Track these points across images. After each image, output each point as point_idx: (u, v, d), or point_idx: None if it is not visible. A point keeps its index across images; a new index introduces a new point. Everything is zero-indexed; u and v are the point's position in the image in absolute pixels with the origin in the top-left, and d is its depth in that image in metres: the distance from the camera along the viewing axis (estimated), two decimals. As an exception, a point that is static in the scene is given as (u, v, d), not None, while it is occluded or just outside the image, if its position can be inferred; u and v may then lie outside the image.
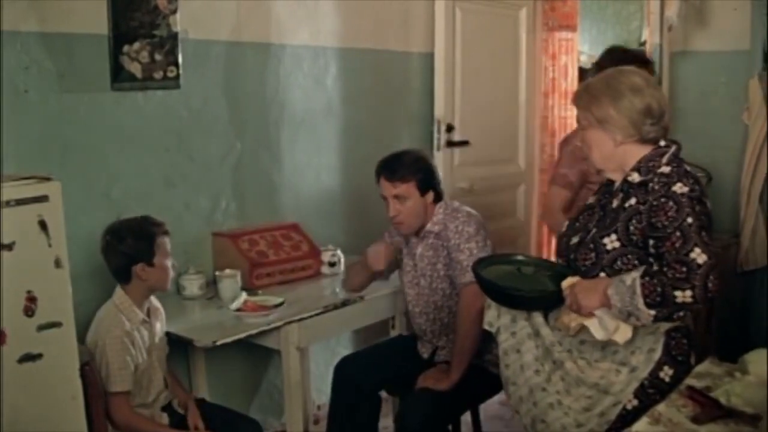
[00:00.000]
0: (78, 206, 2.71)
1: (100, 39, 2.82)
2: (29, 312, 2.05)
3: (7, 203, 1.99)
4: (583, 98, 2.12)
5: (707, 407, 1.78)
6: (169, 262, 2.61)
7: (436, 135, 4.13)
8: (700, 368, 2.03)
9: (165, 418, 2.65)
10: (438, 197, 2.87)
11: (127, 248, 2.54)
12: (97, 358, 2.46)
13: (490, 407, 3.31)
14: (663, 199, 1.97)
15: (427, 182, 2.82)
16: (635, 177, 2.05)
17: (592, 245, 2.08)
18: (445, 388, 2.71)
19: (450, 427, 2.96)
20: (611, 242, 2.04)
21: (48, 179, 2.11)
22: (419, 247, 2.90)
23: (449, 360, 2.83)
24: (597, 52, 6.20)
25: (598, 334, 1.99)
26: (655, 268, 1.94)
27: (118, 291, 2.57)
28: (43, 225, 2.06)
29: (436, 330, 2.94)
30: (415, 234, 2.90)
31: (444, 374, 2.76)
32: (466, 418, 3.03)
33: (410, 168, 2.80)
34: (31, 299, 2.05)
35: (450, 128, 4.18)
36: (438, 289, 2.89)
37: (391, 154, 2.89)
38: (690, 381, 1.94)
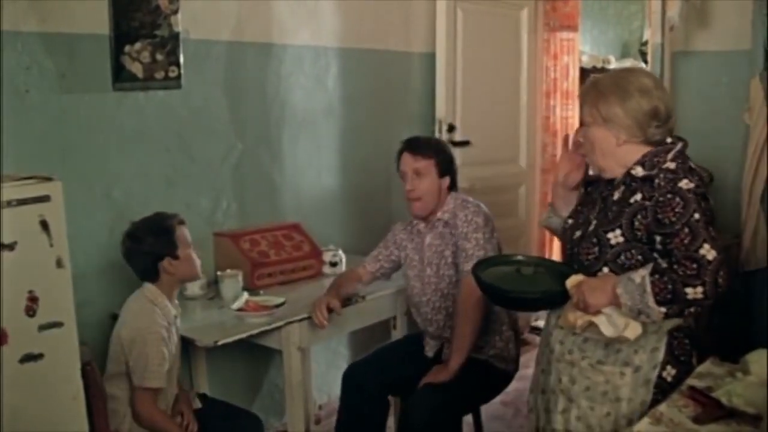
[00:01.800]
0: (79, 206, 2.71)
1: (101, 39, 2.82)
2: (30, 312, 2.05)
3: (9, 203, 1.99)
4: (590, 94, 2.11)
5: (708, 407, 1.78)
6: (192, 251, 2.61)
7: (437, 135, 4.12)
8: (701, 368, 2.03)
9: (178, 419, 2.64)
10: (453, 187, 2.92)
11: (150, 247, 2.53)
12: (134, 353, 2.44)
13: (491, 407, 3.31)
14: (669, 195, 1.96)
15: (446, 167, 2.88)
16: (639, 171, 2.05)
17: (595, 239, 2.07)
18: (446, 378, 2.72)
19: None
20: (615, 237, 2.03)
21: (49, 179, 2.11)
22: (428, 237, 2.92)
23: None
24: (598, 53, 6.24)
25: (608, 331, 1.99)
26: (664, 265, 1.94)
27: (148, 286, 2.56)
28: (44, 225, 2.06)
29: (440, 320, 2.93)
30: (425, 223, 2.92)
31: (443, 366, 2.77)
32: (467, 417, 3.03)
33: (433, 147, 2.91)
34: (33, 299, 2.05)
35: (451, 128, 4.18)
36: (445, 276, 2.89)
37: (416, 135, 3.04)
38: (691, 381, 1.94)
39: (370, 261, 3.09)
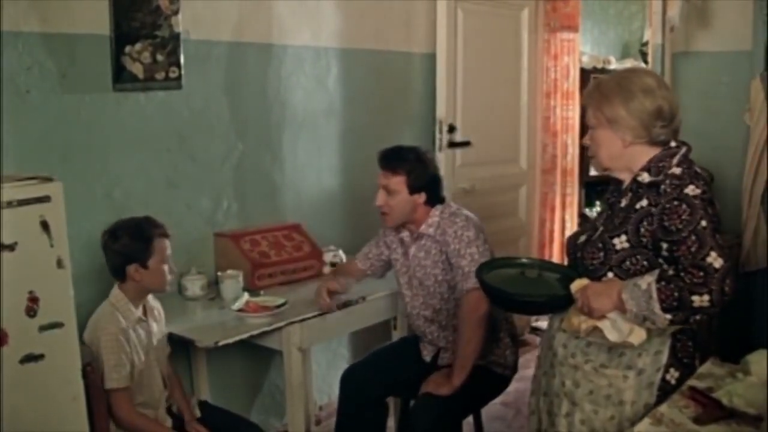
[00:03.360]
0: (80, 207, 2.71)
1: (101, 39, 2.82)
2: (31, 312, 2.05)
3: (9, 203, 1.99)
4: (594, 97, 2.10)
5: (709, 408, 1.78)
6: (165, 266, 2.57)
7: (437, 136, 4.12)
8: (702, 369, 2.03)
9: (169, 421, 2.64)
10: (434, 200, 2.85)
11: (122, 247, 2.52)
12: (95, 354, 2.46)
13: (491, 408, 3.31)
14: (676, 202, 1.95)
15: (420, 183, 2.80)
16: (645, 177, 2.04)
17: (600, 244, 2.07)
18: (448, 393, 2.70)
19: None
20: (620, 243, 2.03)
21: (50, 180, 2.11)
22: (413, 248, 2.90)
23: (452, 363, 2.82)
24: (599, 53, 6.25)
25: (612, 336, 1.98)
26: (671, 272, 1.93)
27: (115, 289, 2.56)
28: (44, 225, 2.06)
29: (434, 331, 2.94)
30: (409, 232, 2.90)
31: (445, 379, 2.75)
32: (468, 418, 3.02)
33: (405, 163, 2.80)
34: (33, 300, 2.05)
35: (452, 129, 4.18)
36: (436, 293, 2.88)
37: (397, 145, 2.92)
38: (692, 382, 1.94)
39: (361, 258, 3.09)
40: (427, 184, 2.82)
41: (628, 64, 6.02)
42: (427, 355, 3.00)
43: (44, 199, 2.06)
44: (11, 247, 2.00)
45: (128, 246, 2.52)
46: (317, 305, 2.85)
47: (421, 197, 2.81)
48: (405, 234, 2.93)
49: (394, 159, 2.82)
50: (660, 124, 2.04)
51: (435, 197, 2.85)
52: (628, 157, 2.08)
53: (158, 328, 2.67)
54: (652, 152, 2.06)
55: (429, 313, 2.91)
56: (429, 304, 2.90)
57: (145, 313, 2.61)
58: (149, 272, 2.53)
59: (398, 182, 2.79)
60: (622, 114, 2.03)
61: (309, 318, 2.83)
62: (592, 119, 2.12)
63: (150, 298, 2.66)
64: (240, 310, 2.79)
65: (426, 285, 2.89)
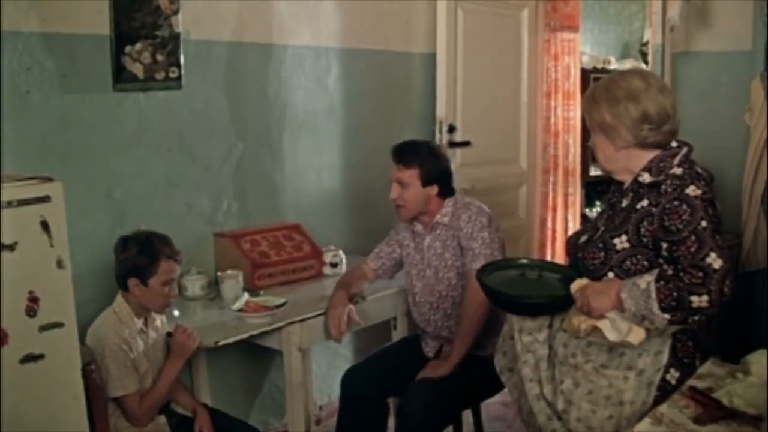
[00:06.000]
0: (80, 207, 2.71)
1: (101, 39, 2.82)
2: (31, 312, 2.05)
3: (9, 203, 1.99)
4: (587, 102, 2.12)
5: (709, 408, 1.78)
6: (167, 289, 2.54)
7: (437, 135, 4.12)
8: (702, 369, 2.03)
9: (162, 419, 2.64)
10: (446, 193, 2.91)
11: (127, 259, 2.52)
12: (98, 361, 2.46)
13: (491, 408, 3.31)
14: (676, 202, 1.96)
15: (432, 175, 2.87)
16: (646, 177, 2.05)
17: (601, 244, 2.07)
18: (446, 372, 2.73)
19: (451, 427, 2.97)
20: (621, 243, 2.03)
21: (50, 180, 2.11)
22: (428, 239, 2.94)
23: None
24: (599, 53, 6.25)
25: (611, 335, 1.99)
26: (670, 272, 1.93)
27: (119, 298, 2.56)
28: (45, 225, 2.06)
29: (438, 320, 2.96)
30: (423, 225, 2.92)
31: (443, 361, 2.78)
32: (468, 418, 3.03)
33: (418, 157, 2.87)
34: (33, 299, 2.05)
35: (452, 129, 4.18)
36: (444, 279, 2.91)
37: (409, 140, 3.02)
38: (692, 382, 1.94)
39: (372, 258, 3.11)
40: (439, 176, 2.89)
41: (628, 64, 6.02)
42: (429, 352, 3.02)
43: (44, 199, 2.06)
44: (11, 247, 2.00)
45: (133, 258, 2.51)
46: (331, 330, 2.83)
47: (434, 189, 2.88)
48: (419, 227, 2.97)
49: (407, 153, 2.89)
50: (647, 127, 2.03)
51: (447, 190, 2.92)
52: (623, 159, 2.09)
53: (157, 337, 2.66)
54: (648, 155, 2.06)
55: (435, 299, 2.94)
56: (436, 289, 2.93)
57: (146, 323, 2.60)
58: (148, 291, 2.52)
59: (411, 175, 2.85)
60: (607, 119, 2.05)
61: (309, 318, 2.84)
62: (588, 124, 2.15)
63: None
64: (240, 310, 2.79)
65: (435, 272, 2.93)
